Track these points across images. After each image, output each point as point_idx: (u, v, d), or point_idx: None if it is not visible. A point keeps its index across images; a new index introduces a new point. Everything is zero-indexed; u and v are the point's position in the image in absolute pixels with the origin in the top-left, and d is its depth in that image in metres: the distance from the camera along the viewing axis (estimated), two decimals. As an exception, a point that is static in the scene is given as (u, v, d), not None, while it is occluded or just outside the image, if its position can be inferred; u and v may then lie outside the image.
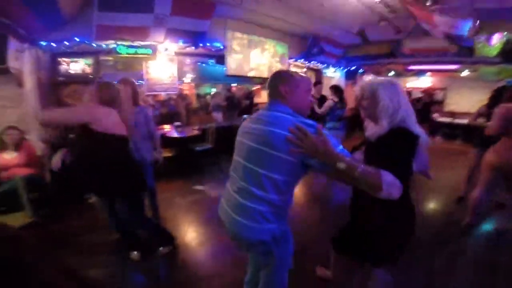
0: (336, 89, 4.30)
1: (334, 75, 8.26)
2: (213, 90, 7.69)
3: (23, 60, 3.38)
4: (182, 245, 2.49)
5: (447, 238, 2.57)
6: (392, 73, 8.07)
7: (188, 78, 6.11)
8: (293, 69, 7.19)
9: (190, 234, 2.76)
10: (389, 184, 1.00)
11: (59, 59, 3.99)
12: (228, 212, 1.21)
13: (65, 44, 3.70)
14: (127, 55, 4.41)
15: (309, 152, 1.03)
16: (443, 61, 6.73)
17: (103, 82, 2.17)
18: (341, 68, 8.29)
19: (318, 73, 7.86)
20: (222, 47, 5.14)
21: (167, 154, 4.27)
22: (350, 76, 8.44)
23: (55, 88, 4.06)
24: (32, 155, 3.14)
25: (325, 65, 7.62)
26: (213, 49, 5.05)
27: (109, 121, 1.86)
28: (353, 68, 8.27)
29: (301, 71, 7.43)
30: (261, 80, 6.54)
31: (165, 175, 4.06)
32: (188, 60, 5.78)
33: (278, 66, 6.54)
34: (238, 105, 7.02)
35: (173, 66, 5.04)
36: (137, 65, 4.92)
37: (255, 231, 1.15)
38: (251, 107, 6.88)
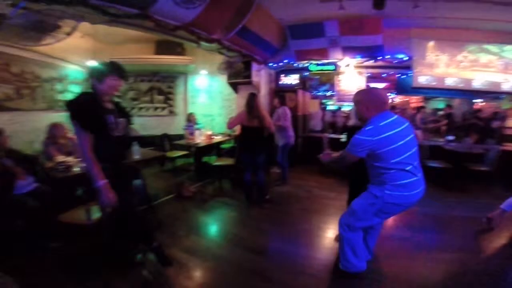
0: None
1: None
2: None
3: (260, 76, 6.09)
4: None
5: None
6: None
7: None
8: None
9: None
10: None
11: (280, 75, 6.41)
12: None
13: (280, 65, 5.94)
14: (317, 72, 5.86)
15: None
16: None
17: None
18: None
19: None
20: (406, 58, 4.87)
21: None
22: None
23: (277, 94, 6.57)
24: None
25: None
26: (394, 61, 4.97)
27: None
28: None
29: None
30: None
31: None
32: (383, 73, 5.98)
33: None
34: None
35: (361, 79, 5.66)
36: (333, 79, 6.18)
37: None
38: (487, 129, 5.17)
